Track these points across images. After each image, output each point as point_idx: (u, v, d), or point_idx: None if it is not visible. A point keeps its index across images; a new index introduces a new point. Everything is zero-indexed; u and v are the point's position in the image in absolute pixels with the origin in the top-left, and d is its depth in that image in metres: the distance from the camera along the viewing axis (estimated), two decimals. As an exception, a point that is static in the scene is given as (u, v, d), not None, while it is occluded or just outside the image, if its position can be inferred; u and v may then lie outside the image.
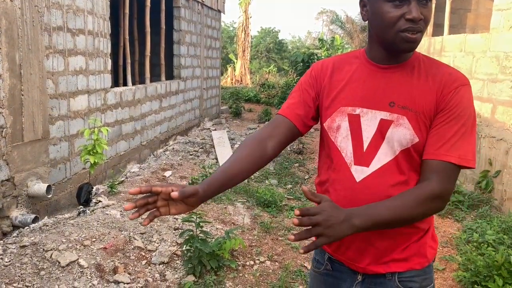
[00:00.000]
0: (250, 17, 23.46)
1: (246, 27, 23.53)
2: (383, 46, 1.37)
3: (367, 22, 1.41)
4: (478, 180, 5.79)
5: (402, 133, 1.33)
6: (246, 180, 6.41)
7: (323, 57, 17.07)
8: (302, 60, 15.42)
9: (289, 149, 8.44)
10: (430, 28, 8.08)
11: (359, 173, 1.39)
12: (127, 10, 7.11)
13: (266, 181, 6.56)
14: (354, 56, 1.49)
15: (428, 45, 7.75)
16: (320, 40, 23.35)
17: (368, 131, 1.38)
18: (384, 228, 1.31)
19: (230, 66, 25.10)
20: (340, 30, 27.94)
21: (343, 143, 1.42)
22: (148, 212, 1.26)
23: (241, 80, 23.52)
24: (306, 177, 6.95)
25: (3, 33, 4.08)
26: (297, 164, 7.59)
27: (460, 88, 1.33)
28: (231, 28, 35.50)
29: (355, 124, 1.40)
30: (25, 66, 4.41)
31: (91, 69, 5.76)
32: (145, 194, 1.23)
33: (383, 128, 1.36)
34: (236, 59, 25.11)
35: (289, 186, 6.42)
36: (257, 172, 6.84)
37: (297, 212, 1.14)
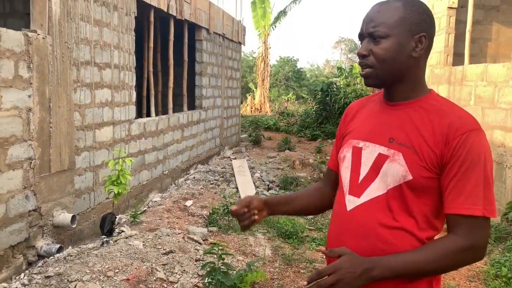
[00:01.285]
0: (269, 47, 23.84)
1: (265, 57, 23.89)
2: None
3: None
4: (505, 212, 5.66)
5: (396, 169, 1.34)
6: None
7: (342, 86, 17.16)
8: (321, 89, 15.51)
9: (309, 178, 8.42)
10: (450, 58, 8.09)
11: (350, 202, 1.43)
12: (151, 44, 7.36)
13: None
14: (375, 95, 1.58)
15: (448, 75, 7.74)
16: (339, 68, 23.51)
17: (366, 164, 1.42)
18: (404, 278, 1.33)
19: (249, 94, 25.40)
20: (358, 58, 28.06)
21: (344, 173, 1.49)
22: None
23: (261, 109, 23.73)
24: (327, 207, 6.89)
25: (35, 69, 4.27)
26: (317, 194, 7.54)
27: (468, 134, 1.29)
28: (250, 58, 36.11)
29: (356, 156, 1.46)
30: (54, 100, 4.59)
31: (116, 101, 5.93)
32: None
33: (379, 162, 1.39)
34: (256, 88, 25.42)
35: (310, 216, 6.38)
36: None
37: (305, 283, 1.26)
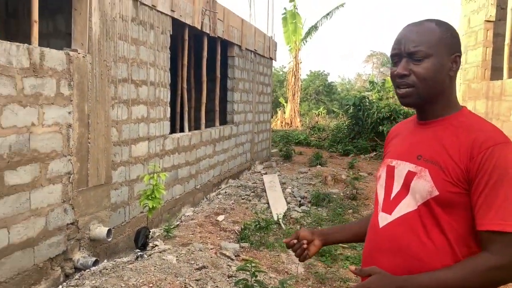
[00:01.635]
0: (300, 62, 23.91)
1: (296, 71, 23.95)
2: None
3: None
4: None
5: (422, 184, 1.37)
6: (299, 227, 6.34)
7: (374, 100, 16.96)
8: (353, 103, 15.38)
9: (342, 194, 8.31)
10: (487, 72, 7.88)
11: (383, 219, 1.47)
12: (185, 61, 7.52)
13: (319, 228, 6.45)
14: (414, 117, 1.61)
15: (486, 89, 7.52)
16: (371, 82, 23.29)
17: (398, 181, 1.46)
18: None
19: (279, 109, 25.46)
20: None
21: (379, 191, 1.55)
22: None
23: (291, 123, 23.71)
24: (360, 224, 6.76)
25: (75, 86, 4.44)
26: (351, 210, 7.43)
27: (493, 148, 1.28)
28: (281, 72, 36.26)
29: (390, 174, 1.51)
30: (93, 116, 4.74)
31: (151, 117, 6.07)
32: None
33: (408, 179, 1.42)
34: (286, 102, 25.46)
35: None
36: (309, 218, 6.78)
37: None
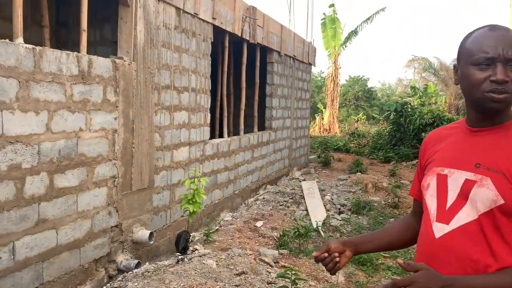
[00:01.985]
0: (340, 67, 23.65)
1: (335, 77, 23.70)
2: (474, 107, 1.43)
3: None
4: None
5: (485, 193, 1.33)
6: (338, 235, 6.24)
7: (416, 106, 16.53)
8: (395, 109, 15.04)
9: (383, 202, 8.12)
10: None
11: (439, 230, 1.43)
12: (225, 68, 7.61)
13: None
14: (456, 123, 1.59)
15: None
16: (412, 87, 22.72)
17: (453, 190, 1.42)
18: None
19: (318, 115, 25.26)
20: (433, 77, 27.03)
21: (430, 200, 1.49)
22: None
23: (330, 129, 23.45)
24: (402, 234, 6.57)
25: (121, 93, 4.57)
26: (392, 219, 7.24)
27: None
28: (319, 78, 36.00)
29: (442, 183, 1.46)
30: (137, 122, 4.87)
31: (192, 123, 6.17)
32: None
33: (467, 188, 1.38)
34: (324, 108, 25.24)
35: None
36: (349, 227, 6.66)
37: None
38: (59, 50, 3.80)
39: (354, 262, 5.11)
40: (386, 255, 5.58)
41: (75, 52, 3.99)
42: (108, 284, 4.32)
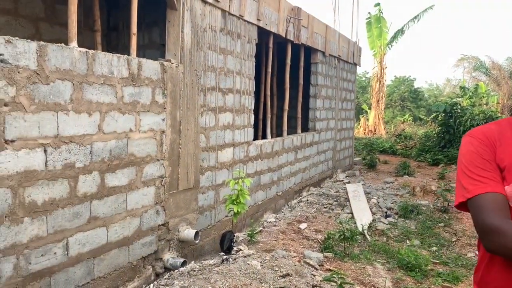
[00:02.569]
0: (385, 67, 23.10)
1: (381, 77, 23.16)
2: None
3: None
4: None
5: None
6: (385, 239, 6.08)
7: (466, 107, 15.86)
8: (444, 110, 14.49)
9: (432, 206, 7.83)
10: None
11: None
12: (269, 69, 7.61)
13: (408, 241, 6.12)
14: (502, 121, 1.44)
15: None
16: (462, 88, 21.84)
17: None
18: None
19: (362, 116, 24.78)
20: (484, 77, 25.84)
21: None
22: None
23: (375, 131, 22.94)
24: (453, 239, 6.31)
25: (169, 95, 4.67)
26: (442, 224, 6.97)
27: None
28: (363, 78, 35.35)
29: None
30: (184, 123, 4.95)
31: (237, 124, 6.21)
32: None
33: None
34: (369, 109, 24.72)
35: (434, 248, 5.89)
36: (396, 231, 6.48)
37: None
38: (111, 53, 3.93)
39: (402, 268, 4.96)
40: (436, 261, 5.37)
41: (126, 55, 4.11)
42: (155, 282, 4.41)
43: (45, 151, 3.31)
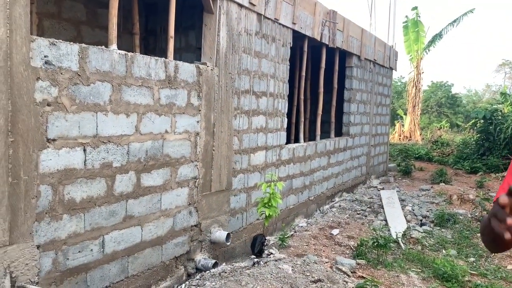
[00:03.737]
0: (422, 72, 22.57)
1: (417, 82, 22.65)
2: None
3: None
4: None
5: None
6: (420, 248, 5.92)
7: (507, 113, 15.27)
8: (484, 117, 14.01)
9: (470, 216, 7.57)
10: None
11: None
12: (303, 73, 7.57)
13: (444, 251, 5.93)
14: None
15: None
16: (503, 94, 21.05)
17: None
18: None
19: (397, 122, 24.29)
20: (527, 82, 24.81)
21: None
22: None
23: (410, 137, 22.43)
24: (492, 251, 6.07)
25: (204, 97, 4.72)
26: (479, 234, 6.71)
27: None
28: (399, 83, 34.69)
29: None
30: (218, 125, 4.99)
31: (269, 128, 6.21)
32: None
33: None
34: (405, 114, 24.20)
35: (472, 259, 5.69)
36: (431, 240, 6.29)
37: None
38: (149, 56, 4.01)
39: (438, 277, 4.81)
40: (474, 272, 5.18)
41: (163, 58, 4.19)
42: (187, 282, 4.45)
43: (84, 150, 3.41)
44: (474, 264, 5.50)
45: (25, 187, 2.99)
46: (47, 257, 3.19)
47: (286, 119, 6.78)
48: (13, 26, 2.84)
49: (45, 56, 3.06)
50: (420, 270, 5.10)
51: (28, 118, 2.97)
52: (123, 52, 3.72)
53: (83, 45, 3.36)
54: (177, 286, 4.44)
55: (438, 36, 22.08)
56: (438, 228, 7.00)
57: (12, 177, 2.90)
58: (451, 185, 10.45)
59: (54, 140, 3.17)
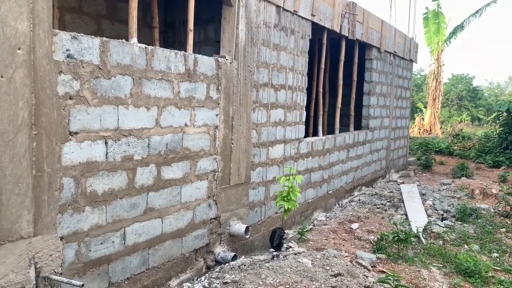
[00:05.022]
0: (443, 64, 22.14)
1: (438, 75, 22.24)
2: None
3: None
4: None
5: None
6: (441, 242, 5.84)
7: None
8: (507, 110, 13.68)
9: (493, 210, 7.42)
10: None
11: None
12: (322, 65, 7.50)
13: (466, 246, 5.83)
14: None
15: None
16: (528, 86, 20.51)
17: None
18: None
19: (417, 115, 23.92)
20: (553, 74, 24.13)
21: None
22: None
23: (430, 130, 22.07)
24: (516, 246, 5.94)
25: (222, 91, 4.72)
26: (503, 229, 6.58)
27: None
28: (418, 76, 34.14)
29: None
30: (236, 118, 4.98)
31: (288, 121, 6.17)
32: None
33: None
34: (425, 107, 23.82)
35: (495, 254, 5.57)
36: (453, 234, 6.19)
37: None
38: (168, 49, 4.02)
39: (460, 273, 4.73)
40: (497, 267, 5.08)
41: (182, 51, 4.19)
42: (207, 274, 4.48)
43: (106, 143, 3.44)
44: (498, 259, 5.39)
45: (49, 179, 3.04)
46: (70, 249, 3.24)
47: (304, 112, 6.73)
48: (36, 20, 2.87)
49: (67, 50, 3.09)
50: (441, 265, 5.02)
51: (51, 111, 3.01)
52: (143, 45, 3.73)
53: (104, 38, 3.38)
54: (197, 278, 4.47)
55: (459, 27, 21.61)
56: (460, 223, 6.88)
57: (36, 169, 2.95)
58: (473, 179, 10.26)
59: (76, 133, 3.21)
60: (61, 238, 3.16)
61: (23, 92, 2.82)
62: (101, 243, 3.48)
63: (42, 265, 3.03)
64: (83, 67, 3.21)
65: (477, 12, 21.19)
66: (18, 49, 2.79)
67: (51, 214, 3.08)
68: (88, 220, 3.36)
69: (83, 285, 3.03)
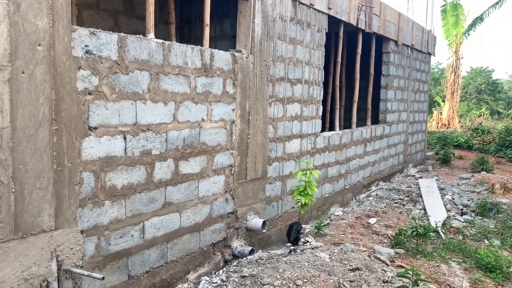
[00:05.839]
0: (461, 57, 21.75)
1: (456, 68, 21.85)
2: None
3: None
4: None
5: None
6: (461, 237, 5.76)
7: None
8: (527, 103, 13.38)
9: (514, 205, 7.28)
10: None
11: None
12: (339, 59, 7.43)
13: (486, 241, 5.74)
14: None
15: None
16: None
17: None
18: None
19: (435, 109, 23.57)
20: None
21: None
22: None
23: (449, 124, 21.74)
24: (539, 241, 5.82)
25: (239, 85, 4.71)
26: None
27: None
28: (436, 69, 33.61)
29: None
30: (252, 113, 4.98)
31: (304, 115, 6.14)
32: None
33: None
34: (443, 101, 23.46)
35: (517, 250, 5.47)
36: (473, 229, 6.10)
37: None
38: (185, 44, 4.03)
39: (481, 268, 4.66)
40: (519, 264, 4.99)
41: (199, 46, 4.19)
42: (224, 268, 4.50)
43: (124, 138, 3.47)
44: (520, 255, 5.29)
45: (69, 174, 3.08)
46: (90, 242, 3.29)
47: (321, 107, 6.69)
48: (55, 17, 2.91)
49: (85, 46, 3.12)
50: (461, 260, 4.95)
51: (70, 106, 3.05)
52: (160, 40, 3.75)
53: (122, 34, 3.40)
54: (215, 272, 4.50)
55: (478, 19, 21.16)
56: (480, 217, 6.77)
57: (57, 164, 2.99)
58: (493, 173, 10.08)
59: (95, 128, 3.24)
60: (82, 232, 3.21)
61: (43, 88, 2.87)
62: (120, 237, 3.53)
63: (64, 258, 3.08)
64: (101, 62, 3.24)
65: (497, 3, 20.70)
66: (38, 46, 2.83)
67: (72, 208, 3.12)
68: (107, 214, 3.40)
69: (103, 278, 3.08)
